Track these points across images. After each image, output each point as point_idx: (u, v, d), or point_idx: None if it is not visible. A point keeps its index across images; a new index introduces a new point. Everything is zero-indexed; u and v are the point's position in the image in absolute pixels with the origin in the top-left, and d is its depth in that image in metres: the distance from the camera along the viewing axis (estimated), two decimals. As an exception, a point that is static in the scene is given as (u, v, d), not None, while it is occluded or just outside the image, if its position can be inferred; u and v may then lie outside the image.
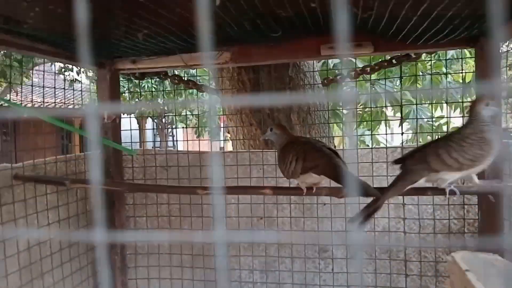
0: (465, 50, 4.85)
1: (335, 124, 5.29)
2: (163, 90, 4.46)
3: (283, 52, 2.32)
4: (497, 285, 1.25)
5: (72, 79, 9.49)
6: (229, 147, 6.12)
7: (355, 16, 1.92)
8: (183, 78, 3.15)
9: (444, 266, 2.35)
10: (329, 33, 2.22)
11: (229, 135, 3.56)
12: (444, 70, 6.23)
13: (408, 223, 2.38)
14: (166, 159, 2.67)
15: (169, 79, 3.03)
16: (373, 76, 5.27)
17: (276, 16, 1.83)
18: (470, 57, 6.14)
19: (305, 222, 2.50)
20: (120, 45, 2.07)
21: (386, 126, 4.19)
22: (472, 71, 6.05)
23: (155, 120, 11.91)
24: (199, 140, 3.98)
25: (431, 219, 2.35)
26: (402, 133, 2.53)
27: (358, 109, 4.77)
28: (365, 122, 5.71)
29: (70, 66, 9.04)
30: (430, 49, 2.28)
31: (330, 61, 4.13)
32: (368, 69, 2.94)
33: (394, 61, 2.77)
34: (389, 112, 7.22)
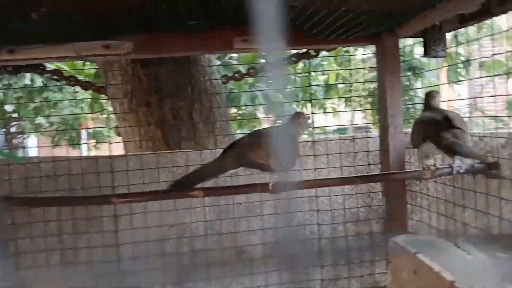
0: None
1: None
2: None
3: (194, 43, 2.15)
4: (448, 264, 1.31)
5: None
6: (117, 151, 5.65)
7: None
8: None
9: (354, 254, 2.46)
10: (243, 24, 2.13)
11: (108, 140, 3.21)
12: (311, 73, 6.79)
13: (321, 215, 2.43)
14: (54, 168, 2.26)
15: (49, 74, 2.61)
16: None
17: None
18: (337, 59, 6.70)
19: (222, 224, 2.37)
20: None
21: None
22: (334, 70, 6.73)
23: (3, 129, 10.25)
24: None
25: (341, 209, 2.43)
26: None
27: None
28: (243, 123, 5.85)
29: None
30: (339, 44, 2.36)
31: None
32: (268, 66, 2.94)
33: (294, 58, 2.82)
34: (261, 113, 7.53)
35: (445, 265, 1.28)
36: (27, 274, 2.23)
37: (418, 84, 6.44)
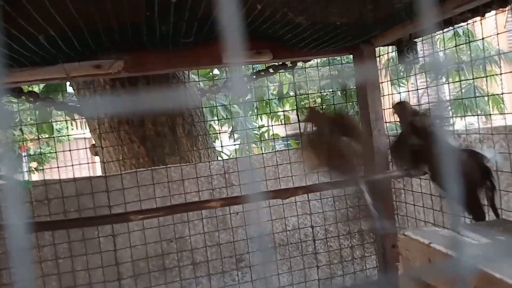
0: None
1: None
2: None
3: (184, 59, 2.19)
4: (461, 250, 1.44)
5: None
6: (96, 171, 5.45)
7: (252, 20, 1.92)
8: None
9: (346, 252, 2.59)
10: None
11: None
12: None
13: (314, 218, 2.54)
14: (46, 191, 2.19)
15: (24, 96, 2.52)
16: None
17: (203, 18, 1.72)
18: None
19: (220, 235, 2.40)
20: None
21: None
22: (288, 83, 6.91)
23: None
24: None
25: (332, 211, 2.56)
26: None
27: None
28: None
29: None
30: (317, 55, 2.49)
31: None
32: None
33: (271, 70, 2.92)
34: (216, 125, 7.57)
35: (458, 251, 1.43)
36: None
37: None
